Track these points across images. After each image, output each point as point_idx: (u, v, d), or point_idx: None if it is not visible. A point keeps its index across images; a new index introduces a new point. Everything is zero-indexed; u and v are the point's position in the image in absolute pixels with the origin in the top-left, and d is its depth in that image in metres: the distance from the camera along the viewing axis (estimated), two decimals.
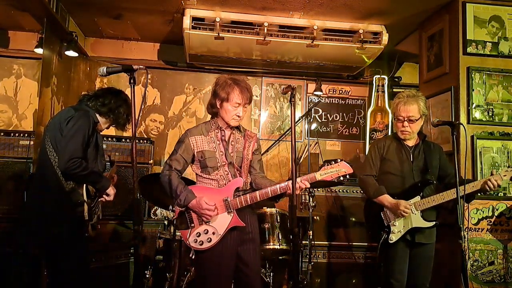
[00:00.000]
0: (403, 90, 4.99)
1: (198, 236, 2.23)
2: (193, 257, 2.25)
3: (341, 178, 2.23)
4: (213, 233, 2.22)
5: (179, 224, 2.29)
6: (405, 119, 2.69)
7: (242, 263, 2.27)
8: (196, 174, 2.37)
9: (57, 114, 2.51)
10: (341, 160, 2.24)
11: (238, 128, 2.41)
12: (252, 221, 2.38)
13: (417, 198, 2.65)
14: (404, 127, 2.71)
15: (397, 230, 2.64)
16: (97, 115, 2.51)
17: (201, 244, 2.21)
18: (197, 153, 2.31)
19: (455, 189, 2.47)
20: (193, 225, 2.24)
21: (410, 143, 2.79)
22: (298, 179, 2.18)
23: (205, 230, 2.23)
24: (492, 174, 2.62)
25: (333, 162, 2.24)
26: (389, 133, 4.78)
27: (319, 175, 2.21)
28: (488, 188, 2.58)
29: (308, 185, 2.20)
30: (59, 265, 2.37)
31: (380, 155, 2.82)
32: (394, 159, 2.77)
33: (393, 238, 2.63)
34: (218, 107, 2.32)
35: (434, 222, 2.64)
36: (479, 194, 2.74)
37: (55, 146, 2.34)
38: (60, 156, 2.29)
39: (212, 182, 2.30)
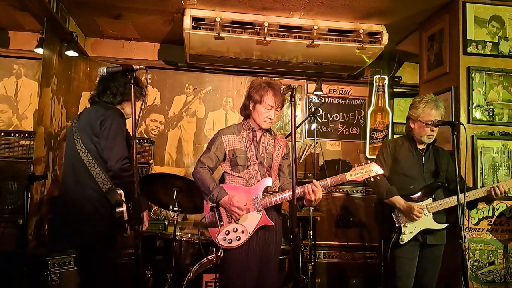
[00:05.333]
0: (404, 90, 5.07)
1: (227, 234, 2.26)
2: (221, 255, 2.26)
3: (372, 180, 2.25)
4: (242, 232, 2.25)
5: (208, 222, 2.30)
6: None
7: (263, 264, 2.30)
8: (226, 172, 2.41)
9: (84, 113, 2.46)
10: (371, 161, 2.30)
11: (269, 131, 2.46)
12: (279, 222, 2.42)
13: (429, 200, 2.67)
14: (432, 131, 2.70)
15: (409, 231, 2.64)
16: (119, 107, 2.48)
17: (230, 242, 2.24)
18: (229, 151, 2.37)
19: (465, 193, 2.54)
20: (222, 223, 2.27)
21: (421, 146, 2.80)
22: (328, 180, 2.23)
23: (234, 228, 2.26)
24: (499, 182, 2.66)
25: (363, 164, 2.28)
26: (389, 133, 4.78)
27: (349, 176, 2.25)
28: (494, 195, 2.61)
29: (316, 188, 2.20)
30: (93, 265, 2.34)
31: (391, 155, 2.82)
32: (406, 160, 2.77)
33: (404, 239, 2.64)
34: (251, 109, 2.38)
35: (445, 224, 2.67)
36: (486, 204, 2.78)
37: (91, 147, 2.32)
38: (108, 157, 2.28)
39: (241, 180, 2.34)
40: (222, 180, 2.46)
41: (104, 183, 2.29)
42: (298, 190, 2.22)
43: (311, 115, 4.23)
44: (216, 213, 2.28)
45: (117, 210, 2.29)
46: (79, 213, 2.28)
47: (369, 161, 2.31)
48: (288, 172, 2.49)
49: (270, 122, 2.37)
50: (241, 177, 2.34)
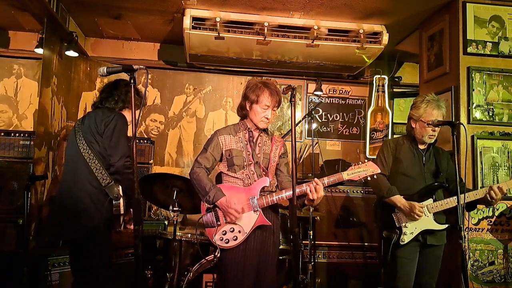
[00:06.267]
0: (404, 90, 5.07)
1: (224, 234, 2.25)
2: (218, 255, 2.25)
3: (369, 179, 2.25)
4: (239, 232, 2.24)
5: (204, 222, 2.30)
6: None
7: (261, 264, 2.30)
8: (222, 173, 2.41)
9: (89, 116, 2.54)
10: (368, 160, 2.28)
11: (265, 131, 2.45)
12: (276, 222, 2.42)
13: (430, 200, 2.67)
14: (434, 131, 2.70)
15: (409, 231, 2.64)
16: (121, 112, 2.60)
17: (227, 242, 2.24)
18: (225, 151, 2.36)
19: (465, 193, 2.55)
20: (219, 223, 2.26)
21: (422, 146, 2.80)
22: (325, 179, 2.22)
23: (231, 228, 2.25)
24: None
25: (360, 163, 2.27)
26: (389, 133, 4.78)
27: (346, 175, 2.24)
28: (490, 197, 2.61)
29: (319, 186, 2.19)
30: (87, 259, 2.38)
31: (392, 154, 2.81)
32: (406, 160, 2.77)
33: (405, 239, 2.63)
34: (248, 109, 2.37)
35: (446, 225, 2.67)
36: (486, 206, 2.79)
37: (93, 145, 2.42)
38: (111, 154, 2.39)
39: (237, 181, 2.34)
40: (218, 180, 2.46)
41: (103, 179, 2.38)
42: (296, 190, 2.20)
43: (307, 115, 4.24)
44: (213, 213, 2.28)
45: (114, 203, 2.39)
46: (77, 207, 2.35)
47: (366, 160, 2.30)
48: (286, 170, 2.48)
49: (267, 122, 2.36)
50: (237, 177, 2.34)
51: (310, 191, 2.17)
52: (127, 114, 2.62)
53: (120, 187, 2.42)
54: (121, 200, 2.41)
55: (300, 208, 2.37)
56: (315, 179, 2.20)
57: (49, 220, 2.58)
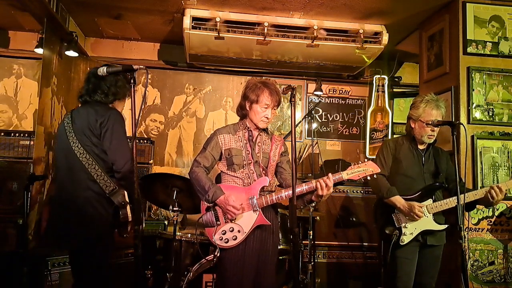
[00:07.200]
0: (404, 90, 5.07)
1: (224, 233, 2.25)
2: (218, 254, 2.24)
3: (368, 178, 2.24)
4: (239, 231, 2.24)
5: (204, 222, 2.29)
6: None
7: (261, 264, 2.30)
8: (222, 172, 2.41)
9: (80, 114, 2.34)
10: (367, 160, 2.28)
11: (265, 130, 2.46)
12: (275, 222, 2.42)
13: (429, 201, 2.67)
14: (433, 131, 2.70)
15: (409, 232, 2.64)
16: (110, 106, 2.42)
17: (226, 242, 2.24)
18: (225, 150, 2.37)
19: (465, 194, 2.54)
20: (219, 222, 2.26)
21: (422, 146, 2.80)
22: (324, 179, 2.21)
23: (230, 228, 2.25)
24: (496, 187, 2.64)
25: (360, 162, 2.26)
26: (389, 133, 4.78)
27: (346, 175, 2.23)
28: (490, 197, 2.60)
29: (330, 183, 2.18)
30: (90, 265, 2.30)
31: (392, 154, 2.81)
32: (406, 160, 2.77)
33: (405, 240, 2.63)
34: (248, 109, 2.37)
35: (445, 225, 2.66)
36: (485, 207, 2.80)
37: (91, 149, 2.27)
38: (115, 159, 2.25)
39: (237, 180, 2.34)
40: (218, 180, 2.46)
41: (107, 185, 2.25)
42: (303, 187, 2.21)
43: (307, 115, 4.24)
44: (213, 212, 2.28)
45: (122, 211, 2.26)
46: (78, 214, 2.23)
47: (365, 160, 2.30)
48: (289, 167, 2.48)
49: (267, 122, 2.36)
50: (237, 176, 2.34)
51: (321, 186, 2.17)
52: (118, 106, 2.45)
53: (126, 193, 2.29)
54: (128, 207, 2.27)
55: (307, 204, 2.37)
56: (329, 174, 2.19)
57: (50, 228, 2.44)
